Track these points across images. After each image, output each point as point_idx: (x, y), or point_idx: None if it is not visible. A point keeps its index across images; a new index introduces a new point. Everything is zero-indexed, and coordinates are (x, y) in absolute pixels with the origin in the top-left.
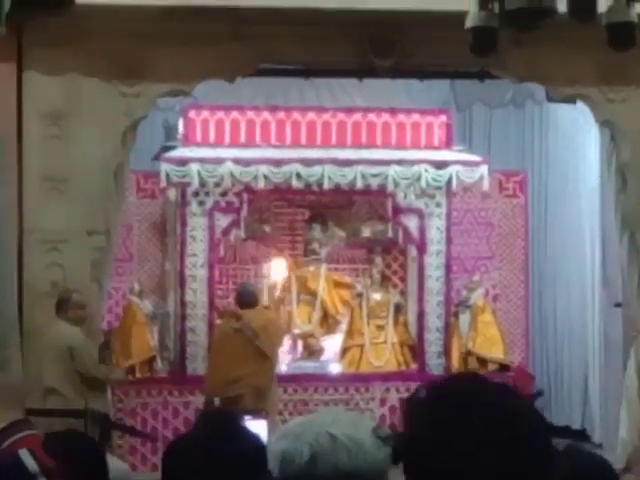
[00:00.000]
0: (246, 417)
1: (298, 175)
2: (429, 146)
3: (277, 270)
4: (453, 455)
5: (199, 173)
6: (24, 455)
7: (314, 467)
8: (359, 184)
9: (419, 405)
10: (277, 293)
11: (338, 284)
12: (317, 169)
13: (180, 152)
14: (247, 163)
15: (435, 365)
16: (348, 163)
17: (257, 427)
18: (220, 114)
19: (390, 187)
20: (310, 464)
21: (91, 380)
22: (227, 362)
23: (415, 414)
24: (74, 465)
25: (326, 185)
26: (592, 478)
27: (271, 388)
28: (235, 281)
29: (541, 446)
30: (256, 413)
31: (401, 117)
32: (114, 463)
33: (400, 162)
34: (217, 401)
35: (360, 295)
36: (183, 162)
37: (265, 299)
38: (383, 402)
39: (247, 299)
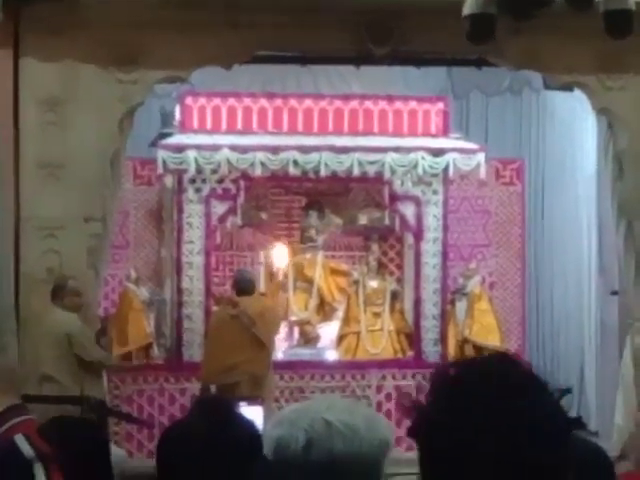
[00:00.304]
0: (242, 404)
1: (295, 162)
2: (426, 133)
3: (274, 257)
4: (452, 441)
5: (196, 160)
6: (20, 440)
7: (309, 453)
8: (356, 171)
9: (434, 384)
10: (279, 278)
11: (335, 271)
12: (314, 156)
13: (177, 139)
14: (244, 150)
15: (431, 353)
16: (345, 150)
17: (253, 414)
18: (217, 101)
19: (387, 174)
20: (305, 450)
21: (89, 364)
22: (223, 349)
23: (429, 393)
24: (70, 451)
25: (323, 172)
26: (586, 466)
27: (267, 375)
28: (232, 268)
29: (544, 439)
30: (252, 400)
31: (398, 104)
32: (113, 450)
33: (397, 149)
34: (213, 388)
35: (357, 282)
36: (180, 149)
37: (262, 286)
38: (379, 389)
39: (244, 286)
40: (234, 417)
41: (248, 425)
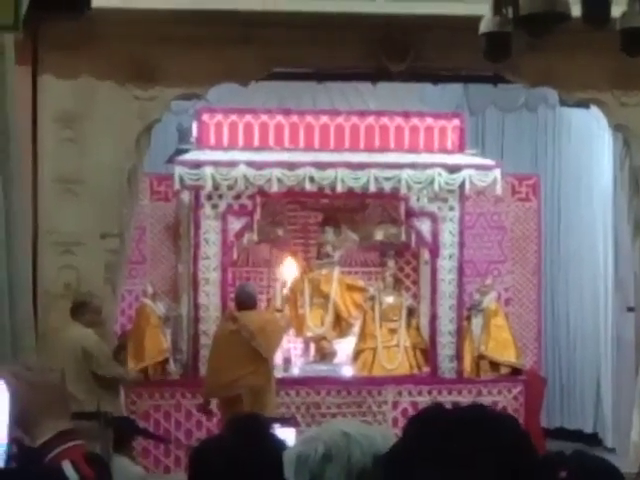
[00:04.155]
0: (275, 424)
1: (311, 178)
2: (442, 150)
3: (290, 273)
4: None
5: (212, 176)
6: (66, 467)
7: (328, 462)
8: (372, 187)
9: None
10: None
11: (351, 287)
12: (330, 172)
13: (194, 155)
14: (260, 166)
15: (447, 369)
16: (361, 166)
17: (285, 434)
18: (233, 117)
19: (403, 190)
20: (324, 459)
21: (106, 381)
22: (224, 364)
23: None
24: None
25: (339, 188)
26: None
27: (269, 389)
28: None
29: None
30: (284, 420)
31: (414, 121)
32: (130, 467)
33: (413, 166)
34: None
35: (373, 298)
36: (197, 165)
37: (278, 302)
38: (395, 405)
39: (244, 300)
40: (267, 436)
41: (280, 444)
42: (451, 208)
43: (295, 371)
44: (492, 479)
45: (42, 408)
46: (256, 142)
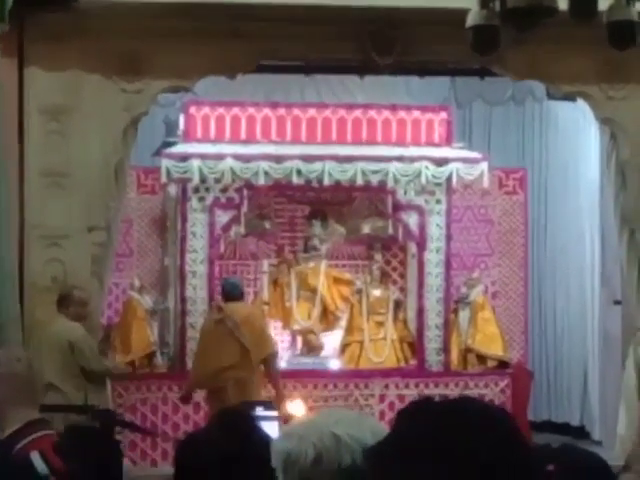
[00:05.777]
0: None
1: (298, 171)
2: (429, 143)
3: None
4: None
5: (199, 169)
6: (35, 457)
7: (318, 467)
8: (359, 180)
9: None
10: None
11: (338, 280)
12: (317, 165)
13: (181, 148)
14: (247, 159)
15: (434, 362)
16: (348, 159)
17: (269, 426)
18: (221, 110)
19: (390, 184)
20: (314, 464)
21: (92, 374)
22: (209, 355)
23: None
24: (87, 465)
25: (326, 181)
26: (589, 477)
27: (254, 381)
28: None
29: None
30: (269, 404)
31: (401, 114)
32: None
33: (400, 159)
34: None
35: (360, 291)
36: (184, 158)
37: (265, 295)
38: (382, 398)
39: (230, 292)
40: (253, 429)
41: (267, 438)
42: (438, 201)
43: (282, 364)
44: (482, 472)
45: (9, 398)
46: (243, 135)
